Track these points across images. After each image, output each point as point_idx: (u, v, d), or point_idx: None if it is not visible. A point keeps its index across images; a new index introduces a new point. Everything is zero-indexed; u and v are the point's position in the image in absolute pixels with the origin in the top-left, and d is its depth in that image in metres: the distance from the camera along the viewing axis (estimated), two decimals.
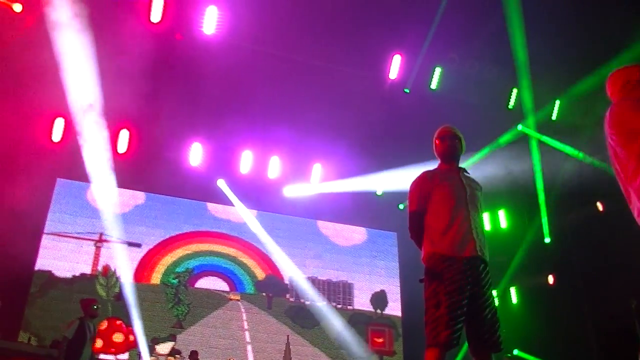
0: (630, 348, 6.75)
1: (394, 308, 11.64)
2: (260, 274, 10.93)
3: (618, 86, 3.55)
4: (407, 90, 9.69)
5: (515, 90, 10.12)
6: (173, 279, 10.36)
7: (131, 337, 9.44)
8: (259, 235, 11.05)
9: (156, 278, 10.29)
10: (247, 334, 10.37)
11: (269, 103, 9.77)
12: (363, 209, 11.50)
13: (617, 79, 3.60)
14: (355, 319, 11.18)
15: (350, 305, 11.32)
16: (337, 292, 11.28)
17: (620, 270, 9.49)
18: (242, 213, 11.01)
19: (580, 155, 9.93)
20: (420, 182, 3.93)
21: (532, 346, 10.35)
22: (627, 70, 3.63)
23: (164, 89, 9.18)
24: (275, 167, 10.80)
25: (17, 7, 8.44)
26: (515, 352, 10.16)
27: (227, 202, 10.96)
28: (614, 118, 3.24)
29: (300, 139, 10.33)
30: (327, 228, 11.76)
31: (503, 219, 11.88)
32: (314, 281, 11.17)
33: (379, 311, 11.46)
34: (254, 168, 10.67)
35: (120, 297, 9.82)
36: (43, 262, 9.72)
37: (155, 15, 8.59)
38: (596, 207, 10.31)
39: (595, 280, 10.51)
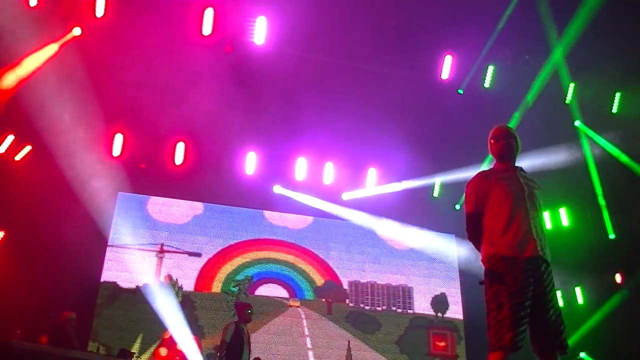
0: None
1: (455, 311, 11.90)
2: (319, 280, 11.40)
3: None
4: (460, 91, 9.94)
5: (572, 85, 10.25)
6: (233, 287, 10.97)
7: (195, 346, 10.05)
8: (317, 241, 11.58)
9: (217, 287, 10.93)
10: (308, 340, 10.84)
11: (321, 109, 10.17)
12: (420, 212, 11.79)
13: None
14: (416, 323, 11.49)
15: (410, 309, 11.64)
16: (397, 297, 11.62)
17: None
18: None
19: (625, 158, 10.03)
20: (477, 183, 4.00)
21: (601, 349, 10.36)
22: None
23: (217, 101, 9.71)
24: (330, 173, 11.29)
25: (77, 31, 9.19)
26: (582, 355, 10.20)
27: (283, 209, 11.50)
28: None
29: (353, 144, 10.76)
30: (384, 230, 12.04)
31: (564, 217, 11.97)
32: (373, 286, 11.55)
33: (439, 314, 11.74)
34: (309, 175, 11.20)
35: (183, 306, 10.46)
36: (108, 274, 10.48)
37: (207, 29, 9.15)
38: None
39: None
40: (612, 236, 11.35)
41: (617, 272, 11.29)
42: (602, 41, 9.06)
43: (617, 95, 10.49)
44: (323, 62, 9.83)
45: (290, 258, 11.39)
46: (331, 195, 11.39)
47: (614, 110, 10.53)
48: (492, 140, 4.12)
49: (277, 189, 11.34)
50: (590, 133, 10.67)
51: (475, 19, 9.19)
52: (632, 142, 10.15)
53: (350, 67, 9.95)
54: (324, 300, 11.30)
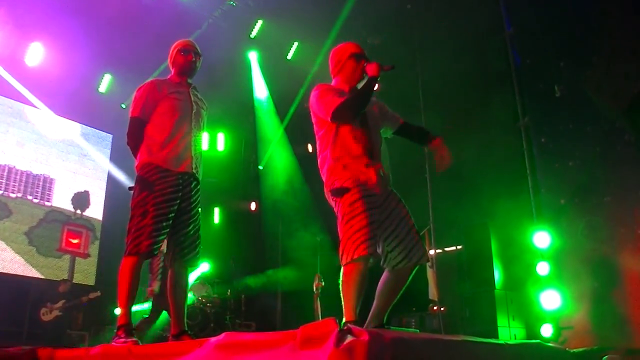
0: (309, 275, 9.24)
1: (95, 211, 12.48)
2: None
3: (332, 65, 4.18)
4: None
5: (260, 22, 11.78)
6: None
7: None
8: None
9: None
10: None
11: None
12: (82, 103, 12.00)
13: (333, 57, 4.16)
14: (52, 217, 11.74)
15: (48, 202, 11.79)
16: (36, 186, 11.63)
17: (313, 209, 12.06)
18: None
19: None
20: (148, 90, 4.29)
21: (224, 264, 12.37)
22: (341, 48, 4.16)
23: None
24: None
25: None
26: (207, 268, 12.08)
27: None
28: (311, 99, 4.03)
29: (23, 13, 10.24)
30: (37, 116, 11.88)
31: (222, 141, 13.77)
32: (10, 170, 11.35)
33: (78, 212, 12.20)
34: None
35: None
36: None
37: None
38: (306, 147, 12.75)
39: (291, 214, 13.09)
40: (260, 167, 13.60)
41: (253, 201, 13.67)
42: None
43: (295, 44, 12.29)
44: None
45: None
46: None
47: (289, 57, 12.39)
48: (180, 52, 4.44)
49: None
50: (258, 72, 12.48)
51: None
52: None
53: None
54: None
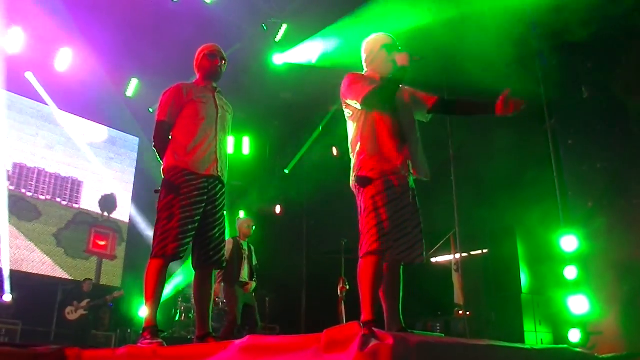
0: (333, 279, 9.19)
1: (122, 213, 12.64)
2: None
3: (365, 55, 4.20)
4: None
5: (285, 26, 11.80)
6: None
7: None
8: None
9: None
10: None
11: None
12: (109, 107, 12.13)
13: (366, 48, 4.20)
14: (80, 219, 11.92)
15: (76, 204, 11.97)
16: (65, 188, 11.82)
17: (338, 212, 12.04)
18: None
19: None
20: (174, 93, 4.29)
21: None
22: (373, 39, 4.19)
23: None
24: (17, 40, 10.56)
25: None
26: None
27: None
28: (342, 87, 4.00)
29: (49, 12, 10.27)
30: (66, 119, 12.04)
31: (247, 145, 13.80)
32: (40, 172, 11.53)
33: (106, 214, 12.37)
34: None
35: None
36: None
37: None
38: (332, 151, 12.72)
39: (316, 218, 13.11)
40: (287, 171, 13.58)
41: (278, 204, 13.67)
42: None
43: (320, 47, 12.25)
44: None
45: None
46: (15, 67, 10.84)
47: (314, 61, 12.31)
48: (206, 56, 4.44)
49: None
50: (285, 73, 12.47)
51: None
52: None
53: None
54: None
